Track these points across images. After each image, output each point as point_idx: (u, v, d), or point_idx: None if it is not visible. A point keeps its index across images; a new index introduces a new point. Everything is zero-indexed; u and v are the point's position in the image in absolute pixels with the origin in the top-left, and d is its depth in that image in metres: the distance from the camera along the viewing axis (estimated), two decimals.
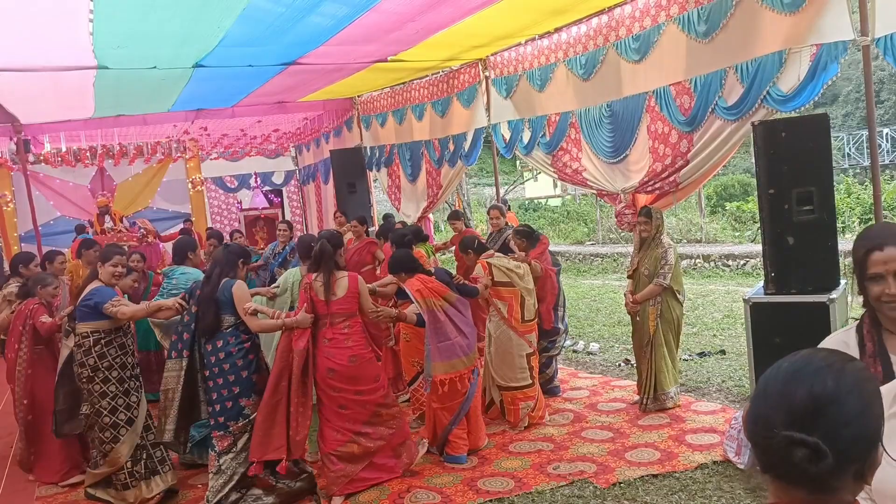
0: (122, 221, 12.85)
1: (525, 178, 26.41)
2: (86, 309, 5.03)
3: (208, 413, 5.02)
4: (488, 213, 8.11)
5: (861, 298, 2.29)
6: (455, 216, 8.86)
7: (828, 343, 2.18)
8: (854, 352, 2.10)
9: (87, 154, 13.04)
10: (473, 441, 5.67)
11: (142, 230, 12.56)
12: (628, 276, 6.37)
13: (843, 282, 4.87)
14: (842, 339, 2.19)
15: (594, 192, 7.76)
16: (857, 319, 2.28)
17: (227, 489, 4.84)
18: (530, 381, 6.13)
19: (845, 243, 13.59)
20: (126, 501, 5.09)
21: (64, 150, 12.55)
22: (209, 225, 14.89)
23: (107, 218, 12.68)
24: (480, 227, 16.49)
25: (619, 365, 7.84)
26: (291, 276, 6.30)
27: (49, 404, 5.58)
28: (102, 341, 5.05)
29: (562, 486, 4.93)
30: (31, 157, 11.25)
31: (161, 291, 6.29)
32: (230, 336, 4.94)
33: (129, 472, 5.10)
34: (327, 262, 5.07)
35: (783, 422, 1.20)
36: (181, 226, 13.07)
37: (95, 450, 5.18)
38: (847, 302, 5.03)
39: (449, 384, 5.45)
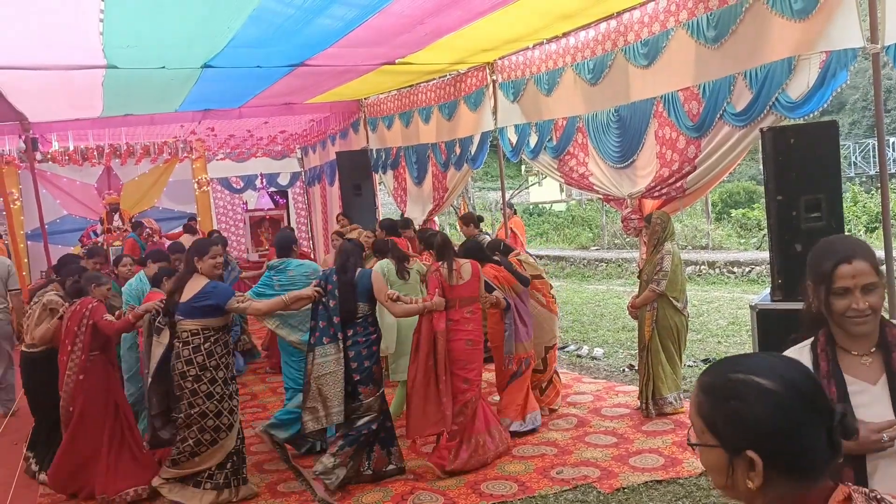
0: (131, 220, 12.88)
1: (530, 183, 26.39)
2: (202, 305, 4.93)
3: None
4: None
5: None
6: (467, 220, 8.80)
7: None
8: None
9: (95, 153, 13.07)
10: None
11: (147, 230, 12.59)
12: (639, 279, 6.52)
13: None
14: (795, 357, 2.00)
15: (600, 196, 7.76)
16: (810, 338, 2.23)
17: (350, 468, 5.22)
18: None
19: None
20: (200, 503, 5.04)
21: (72, 148, 12.58)
22: (215, 227, 14.93)
23: (116, 216, 12.71)
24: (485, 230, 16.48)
25: (623, 370, 7.83)
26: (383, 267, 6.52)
27: (99, 416, 5.30)
28: (211, 339, 4.97)
29: (565, 490, 4.93)
30: (38, 156, 11.28)
31: (268, 284, 6.11)
32: (360, 326, 5.28)
33: (210, 474, 5.06)
34: (449, 251, 5.56)
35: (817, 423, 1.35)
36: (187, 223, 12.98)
37: (179, 448, 5.02)
38: None
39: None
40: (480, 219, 9.36)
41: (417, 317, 5.53)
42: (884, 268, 4.19)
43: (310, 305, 5.34)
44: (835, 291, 2.11)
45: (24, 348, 5.96)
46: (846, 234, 1.92)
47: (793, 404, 1.34)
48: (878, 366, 2.14)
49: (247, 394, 8.08)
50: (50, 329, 5.64)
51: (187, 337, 4.94)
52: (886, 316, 2.30)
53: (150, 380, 5.09)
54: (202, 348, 4.92)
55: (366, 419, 5.23)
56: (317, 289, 5.26)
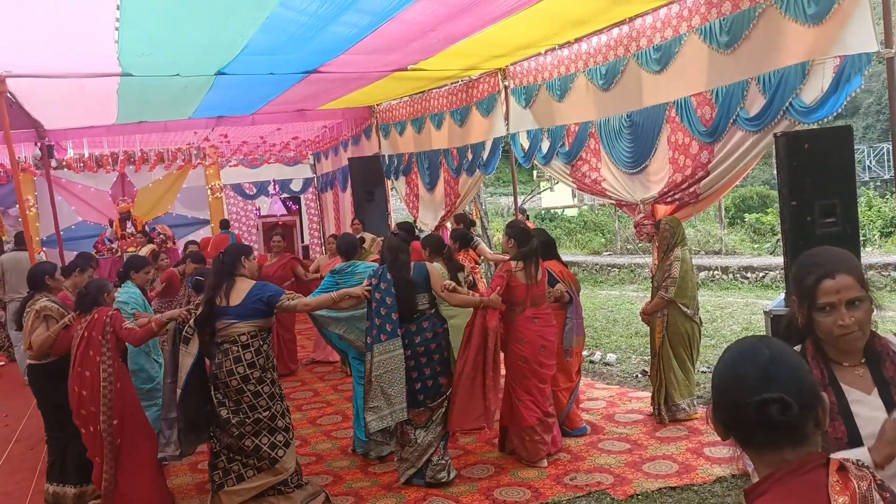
0: (143, 227, 12.98)
1: (542, 188, 26.34)
2: (256, 307, 4.82)
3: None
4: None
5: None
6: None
7: None
8: None
9: (109, 160, 13.20)
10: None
11: (161, 235, 12.68)
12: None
13: None
14: None
15: (612, 202, 7.74)
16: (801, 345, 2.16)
17: (422, 460, 5.27)
18: None
19: (866, 256, 13.36)
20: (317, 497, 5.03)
21: (86, 155, 12.71)
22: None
23: (128, 224, 12.81)
24: (497, 235, 16.45)
25: (637, 376, 7.80)
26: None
27: (141, 423, 5.21)
28: (267, 339, 4.90)
29: (579, 497, 4.91)
30: (54, 163, 11.39)
31: (327, 289, 5.94)
32: (435, 318, 5.34)
33: (297, 471, 5.05)
34: (536, 254, 5.59)
35: (747, 395, 1.45)
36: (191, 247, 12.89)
37: (254, 459, 4.85)
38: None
39: (576, 356, 6.17)
40: (472, 223, 9.42)
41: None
42: None
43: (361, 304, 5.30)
44: (819, 308, 2.04)
45: (30, 360, 5.59)
46: (826, 246, 1.85)
47: (744, 384, 1.49)
48: (870, 376, 2.09)
49: None
50: (50, 337, 5.33)
51: (246, 340, 4.79)
52: None
53: (179, 392, 4.83)
54: (262, 350, 4.83)
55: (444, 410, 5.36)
56: (367, 288, 5.18)
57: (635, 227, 7.14)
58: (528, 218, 13.97)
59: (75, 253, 8.87)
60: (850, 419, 2.04)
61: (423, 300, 5.27)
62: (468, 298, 5.42)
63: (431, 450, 5.27)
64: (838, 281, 2.02)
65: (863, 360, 2.10)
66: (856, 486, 1.40)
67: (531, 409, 5.49)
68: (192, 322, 4.86)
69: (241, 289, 4.87)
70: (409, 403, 5.16)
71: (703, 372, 7.60)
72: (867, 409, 2.05)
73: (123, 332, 5.07)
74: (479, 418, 5.34)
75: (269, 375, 4.87)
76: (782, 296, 4.94)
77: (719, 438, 1.57)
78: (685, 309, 6.08)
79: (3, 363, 11.00)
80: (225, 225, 13.84)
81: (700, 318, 6.30)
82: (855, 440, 2.00)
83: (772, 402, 1.43)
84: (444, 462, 5.31)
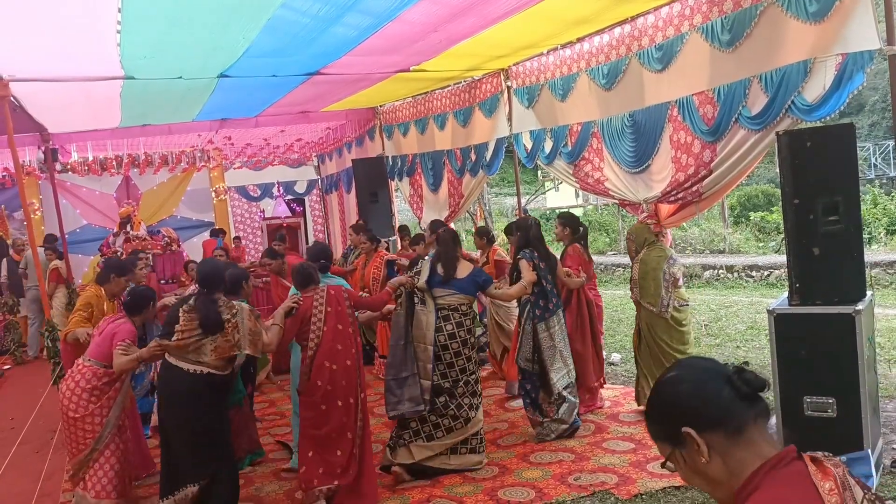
0: (140, 227, 12.99)
1: (546, 188, 26.32)
2: (473, 283, 5.64)
3: None
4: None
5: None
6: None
7: None
8: None
9: (114, 163, 13.22)
10: None
11: (166, 238, 12.70)
12: None
13: (869, 293, 4.81)
14: None
15: (616, 201, 7.73)
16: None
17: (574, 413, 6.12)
18: None
19: (871, 254, 13.34)
20: (482, 463, 5.58)
21: (91, 159, 12.72)
22: (233, 235, 15.06)
23: (129, 227, 12.84)
24: (500, 237, 16.44)
25: None
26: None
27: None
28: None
29: (583, 497, 4.91)
30: (58, 166, 11.40)
31: None
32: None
33: (478, 434, 5.62)
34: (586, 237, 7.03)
35: (721, 377, 1.57)
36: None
37: (448, 419, 5.48)
38: (873, 314, 4.97)
39: None
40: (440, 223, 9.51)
41: None
42: None
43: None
44: None
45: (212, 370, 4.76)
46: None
47: (693, 376, 1.61)
48: None
49: (265, 401, 8.14)
50: (281, 329, 5.11)
51: (465, 309, 5.62)
52: None
53: (431, 349, 5.49)
54: (465, 322, 5.62)
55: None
56: (533, 270, 5.99)
57: None
58: None
59: (80, 256, 8.90)
60: None
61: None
62: (580, 279, 6.49)
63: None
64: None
65: None
66: (834, 472, 1.49)
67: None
68: (419, 285, 5.58)
69: (465, 266, 5.68)
70: None
71: None
72: None
73: (364, 300, 5.78)
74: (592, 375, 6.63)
75: (473, 341, 5.68)
76: (786, 294, 4.92)
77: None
78: (651, 308, 6.29)
79: (8, 367, 11.04)
80: (215, 233, 13.72)
81: (668, 314, 6.25)
82: None
83: (743, 368, 1.57)
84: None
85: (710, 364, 1.63)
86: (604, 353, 6.77)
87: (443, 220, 10.59)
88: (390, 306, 5.73)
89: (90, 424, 5.11)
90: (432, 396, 5.47)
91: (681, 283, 6.65)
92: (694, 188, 6.32)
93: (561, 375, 6.04)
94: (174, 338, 4.65)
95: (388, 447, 5.56)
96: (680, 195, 6.50)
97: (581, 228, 6.67)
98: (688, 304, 6.63)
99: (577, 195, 26.12)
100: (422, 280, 5.57)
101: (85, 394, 5.09)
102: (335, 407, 5.02)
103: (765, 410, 1.58)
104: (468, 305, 5.66)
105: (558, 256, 6.72)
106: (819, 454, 1.53)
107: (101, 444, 5.14)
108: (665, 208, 6.83)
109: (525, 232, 6.17)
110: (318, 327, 5.05)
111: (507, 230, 7.75)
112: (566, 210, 8.59)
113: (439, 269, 5.59)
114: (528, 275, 5.94)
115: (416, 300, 5.59)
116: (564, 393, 6.05)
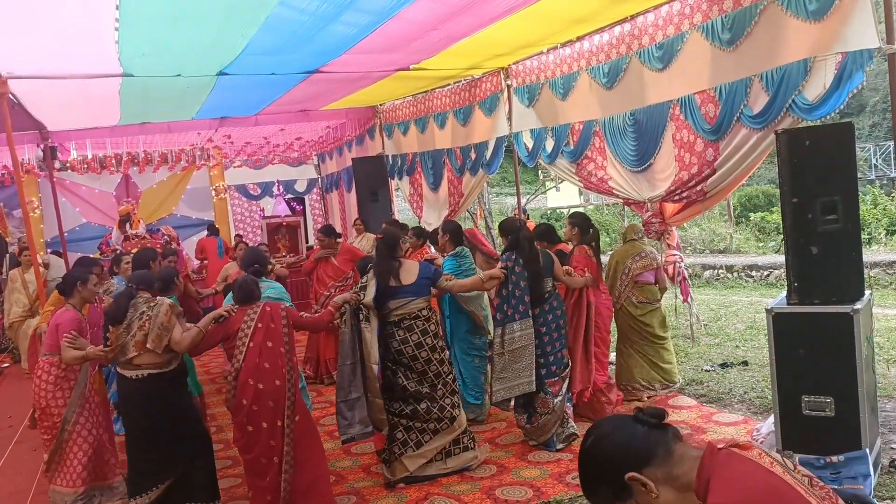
0: (139, 225, 12.99)
1: (547, 188, 26.27)
2: (423, 283, 5.44)
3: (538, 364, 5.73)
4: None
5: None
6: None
7: None
8: None
9: (113, 161, 13.20)
10: None
11: (165, 237, 12.69)
12: None
13: (867, 292, 4.80)
14: None
15: (620, 200, 7.72)
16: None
17: (557, 425, 5.79)
18: None
19: (871, 255, 13.32)
20: (478, 459, 5.56)
21: (90, 157, 12.71)
22: (236, 232, 15.05)
23: (128, 226, 12.83)
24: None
25: None
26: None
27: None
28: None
29: (580, 496, 4.89)
30: (57, 164, 11.41)
31: (457, 271, 6.58)
32: (555, 300, 5.89)
33: (467, 432, 5.59)
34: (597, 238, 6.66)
35: (636, 426, 1.74)
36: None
37: (433, 423, 5.41)
38: (872, 313, 4.96)
39: None
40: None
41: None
42: None
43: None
44: None
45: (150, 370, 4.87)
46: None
47: (608, 430, 1.78)
48: None
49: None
50: (201, 332, 5.01)
51: (427, 314, 5.42)
52: None
53: (377, 368, 5.23)
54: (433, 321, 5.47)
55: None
56: (503, 270, 5.74)
57: (644, 226, 7.12)
58: (528, 218, 13.94)
59: (80, 254, 8.90)
60: None
61: (548, 284, 5.88)
62: (579, 279, 6.19)
63: (564, 415, 5.83)
64: None
65: None
66: (757, 450, 1.69)
67: (602, 372, 6.33)
68: (364, 301, 5.28)
69: (402, 268, 5.42)
70: (545, 375, 5.74)
71: (706, 371, 7.60)
72: None
73: (304, 320, 5.23)
74: (584, 381, 6.23)
75: (441, 343, 5.52)
76: (785, 293, 4.90)
77: (723, 436, 1.65)
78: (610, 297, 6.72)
79: (7, 365, 11.03)
80: (213, 230, 13.72)
81: (622, 306, 6.86)
82: None
83: (649, 411, 1.76)
84: (573, 426, 5.90)
85: (613, 418, 1.84)
86: (608, 358, 6.64)
87: (443, 218, 10.60)
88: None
89: (55, 408, 5.33)
90: (414, 403, 5.36)
91: (653, 280, 6.90)
92: (698, 187, 6.31)
93: (504, 386, 5.69)
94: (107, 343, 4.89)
95: (383, 461, 5.43)
96: (685, 194, 6.49)
97: (591, 230, 6.60)
98: (653, 304, 6.86)
99: (579, 194, 26.09)
100: (368, 296, 5.27)
101: (50, 386, 5.34)
102: (260, 429, 4.70)
103: (676, 431, 1.76)
104: (428, 308, 5.46)
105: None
106: (732, 440, 1.75)
107: (68, 426, 5.33)
108: (670, 207, 6.82)
109: (515, 234, 5.91)
110: (244, 342, 4.76)
111: (500, 231, 7.71)
112: (578, 210, 8.52)
113: (392, 282, 5.34)
114: (493, 271, 5.81)
115: (360, 317, 5.31)
116: (503, 407, 6.07)
